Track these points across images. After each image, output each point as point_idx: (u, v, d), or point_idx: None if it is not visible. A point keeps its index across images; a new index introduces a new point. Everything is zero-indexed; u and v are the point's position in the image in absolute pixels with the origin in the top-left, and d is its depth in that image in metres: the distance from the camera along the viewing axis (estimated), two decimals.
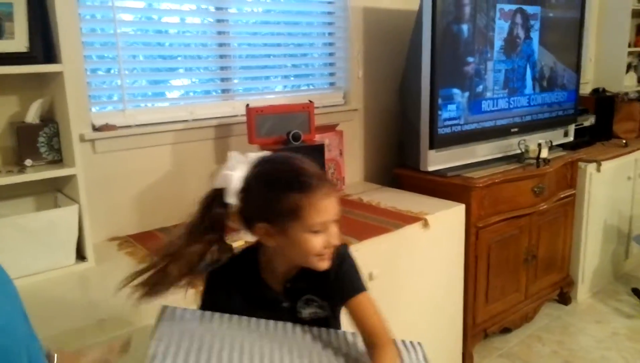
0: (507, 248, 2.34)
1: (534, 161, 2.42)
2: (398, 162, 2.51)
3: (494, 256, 2.28)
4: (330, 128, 2.27)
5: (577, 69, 2.81)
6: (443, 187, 2.23)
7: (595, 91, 3.38)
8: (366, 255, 1.72)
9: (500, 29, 2.37)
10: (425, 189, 2.27)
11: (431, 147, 2.22)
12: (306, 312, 1.08)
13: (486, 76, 2.36)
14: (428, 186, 2.27)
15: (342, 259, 1.06)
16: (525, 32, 2.50)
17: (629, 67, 3.86)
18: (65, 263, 1.49)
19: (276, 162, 1.02)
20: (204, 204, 1.01)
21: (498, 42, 2.38)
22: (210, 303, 1.09)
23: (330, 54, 2.45)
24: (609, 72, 3.69)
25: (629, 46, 3.71)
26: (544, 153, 2.43)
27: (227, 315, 1.06)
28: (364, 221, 1.90)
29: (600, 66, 3.74)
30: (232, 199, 0.98)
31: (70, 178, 1.51)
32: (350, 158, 2.44)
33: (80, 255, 1.53)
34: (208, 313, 1.06)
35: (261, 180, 0.98)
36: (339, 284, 1.05)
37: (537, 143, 2.43)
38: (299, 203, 0.95)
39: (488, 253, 2.25)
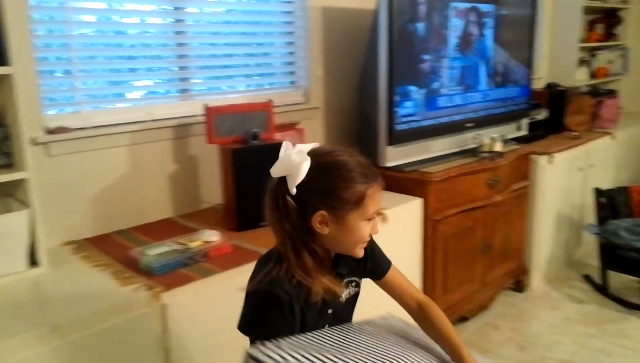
0: (464, 240, 2.42)
1: (488, 154, 2.50)
2: None
3: (450, 248, 2.35)
4: (290, 127, 2.29)
5: (530, 65, 2.91)
6: (401, 182, 2.29)
7: (549, 86, 3.50)
8: None
9: (455, 27, 2.43)
10: (386, 185, 2.32)
11: (389, 143, 2.27)
12: (345, 294, 1.16)
13: (442, 72, 2.42)
14: (387, 181, 2.27)
15: (371, 241, 1.16)
16: (480, 29, 2.58)
17: (582, 62, 4.01)
18: (17, 269, 1.47)
19: (339, 154, 1.05)
20: (278, 196, 1.02)
21: (453, 40, 2.44)
22: (280, 320, 1.03)
23: (291, 53, 2.46)
24: (562, 67, 3.82)
25: (580, 41, 3.85)
26: (498, 147, 2.52)
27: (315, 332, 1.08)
28: None
29: (554, 62, 3.87)
30: (294, 188, 1.00)
31: (21, 182, 1.49)
32: None
33: (33, 261, 1.51)
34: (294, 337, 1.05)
35: (328, 170, 1.02)
36: (375, 263, 1.20)
37: (490, 137, 2.51)
38: (363, 193, 1.02)
39: (445, 245, 2.32)
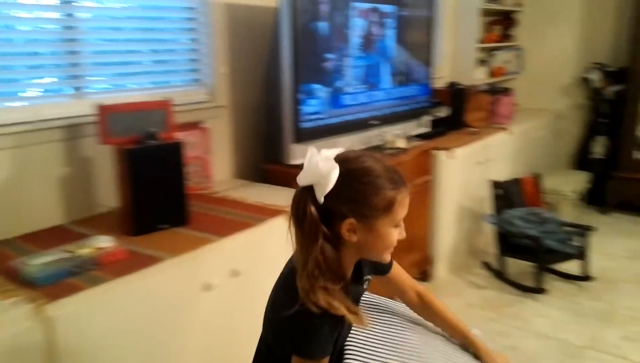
0: None
1: (392, 151, 2.59)
2: (267, 157, 2.55)
3: None
4: (194, 126, 2.23)
5: (430, 64, 3.04)
6: None
7: (450, 85, 3.68)
8: (230, 251, 1.74)
9: (357, 27, 2.49)
10: (293, 183, 2.32)
11: (295, 141, 2.28)
12: (363, 290, 1.21)
13: (345, 71, 2.47)
14: (293, 179, 2.32)
15: None
16: (381, 29, 2.65)
17: (482, 62, 4.25)
18: None
19: (365, 160, 1.03)
20: (299, 206, 1.00)
21: (356, 39, 2.49)
22: (341, 329, 1.08)
23: (194, 50, 2.40)
24: (462, 67, 4.03)
25: (479, 42, 4.08)
26: (401, 144, 2.61)
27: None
28: (228, 218, 1.90)
29: (455, 61, 4.07)
30: (322, 197, 0.98)
31: None
32: (218, 155, 2.43)
33: None
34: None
35: (356, 177, 1.00)
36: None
37: (394, 135, 2.60)
38: (392, 199, 1.01)
39: None
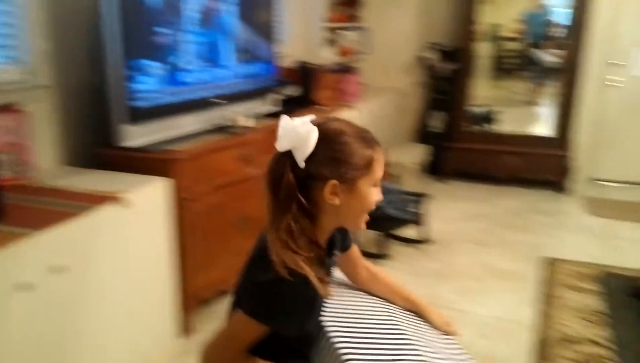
0: (218, 215, 2.44)
1: (239, 130, 2.55)
2: (101, 141, 2.36)
3: (204, 225, 2.35)
4: (6, 108, 1.98)
5: (275, 42, 3.04)
6: (146, 163, 2.19)
7: (300, 64, 3.73)
8: (50, 245, 1.58)
9: (195, 1, 2.39)
10: (129, 167, 2.19)
11: (129, 121, 2.14)
12: (333, 263, 1.21)
13: (182, 47, 2.36)
14: (131, 163, 2.20)
15: None
16: (221, 5, 2.58)
17: (331, 41, 4.37)
18: None
19: (336, 123, 1.05)
20: (277, 171, 0.99)
21: (194, 14, 2.39)
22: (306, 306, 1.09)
23: (7, 24, 2.12)
24: (312, 46, 4.11)
25: (327, 22, 4.19)
26: (248, 123, 2.59)
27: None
28: (49, 209, 1.73)
29: (305, 41, 4.13)
30: (303, 161, 0.98)
31: None
32: (41, 140, 2.19)
33: None
34: None
35: (334, 138, 1.01)
36: (347, 236, 1.26)
37: (240, 114, 2.57)
38: (371, 157, 1.04)
39: (198, 223, 2.31)
